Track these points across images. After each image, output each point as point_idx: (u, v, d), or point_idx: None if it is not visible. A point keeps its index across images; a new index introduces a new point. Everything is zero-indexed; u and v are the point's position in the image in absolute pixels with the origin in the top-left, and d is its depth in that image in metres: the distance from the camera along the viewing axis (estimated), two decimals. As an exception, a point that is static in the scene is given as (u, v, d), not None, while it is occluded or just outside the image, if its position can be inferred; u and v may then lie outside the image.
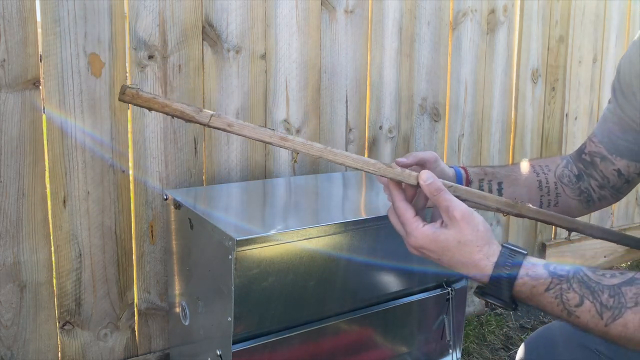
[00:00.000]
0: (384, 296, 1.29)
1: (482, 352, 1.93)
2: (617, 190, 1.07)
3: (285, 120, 1.59)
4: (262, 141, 0.81)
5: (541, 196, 1.11)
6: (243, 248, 1.02)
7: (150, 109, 0.80)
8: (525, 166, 1.14)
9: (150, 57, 1.37)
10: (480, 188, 1.12)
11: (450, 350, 1.43)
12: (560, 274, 0.72)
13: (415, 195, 0.85)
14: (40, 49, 1.24)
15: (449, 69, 1.90)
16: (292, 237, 1.07)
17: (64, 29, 1.25)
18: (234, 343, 1.07)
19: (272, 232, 1.05)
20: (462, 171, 1.13)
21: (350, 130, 1.72)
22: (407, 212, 0.80)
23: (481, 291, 0.76)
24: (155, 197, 1.43)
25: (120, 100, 0.80)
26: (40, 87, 1.25)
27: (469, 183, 1.12)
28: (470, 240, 0.76)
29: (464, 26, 1.91)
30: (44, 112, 1.26)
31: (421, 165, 1.11)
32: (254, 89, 1.53)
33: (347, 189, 1.52)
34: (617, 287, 0.68)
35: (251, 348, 1.09)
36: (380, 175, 0.83)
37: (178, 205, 1.26)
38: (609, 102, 1.05)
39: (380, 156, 1.79)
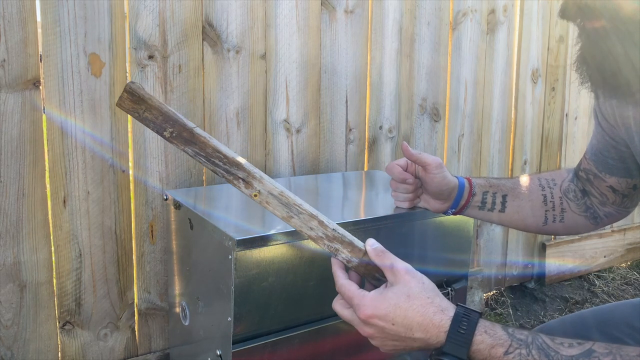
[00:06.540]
0: (384, 296, 1.29)
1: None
2: (619, 205, 1.05)
3: (285, 120, 1.59)
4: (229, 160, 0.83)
5: (546, 211, 1.10)
6: (243, 248, 1.02)
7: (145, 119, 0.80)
8: (530, 179, 1.12)
9: (150, 57, 1.37)
10: (484, 200, 1.12)
11: (450, 350, 1.43)
12: (519, 337, 0.70)
13: (361, 280, 0.84)
14: (40, 49, 1.24)
15: (449, 69, 1.90)
16: (292, 237, 1.07)
17: (64, 29, 1.25)
18: (234, 343, 1.07)
19: (272, 232, 1.05)
20: (466, 182, 1.12)
21: (350, 130, 1.72)
22: (352, 286, 0.79)
23: (437, 352, 0.73)
24: (155, 197, 1.43)
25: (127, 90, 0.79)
26: (40, 87, 1.25)
27: (472, 195, 1.12)
28: (418, 292, 0.75)
29: (464, 26, 1.91)
30: (44, 112, 1.26)
31: (423, 166, 1.10)
32: (254, 89, 1.53)
33: (347, 189, 1.52)
34: None
35: (251, 348, 1.09)
36: (332, 238, 0.83)
37: (178, 205, 1.26)
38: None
39: (380, 156, 1.79)
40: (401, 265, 0.78)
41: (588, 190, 1.07)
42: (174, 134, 0.80)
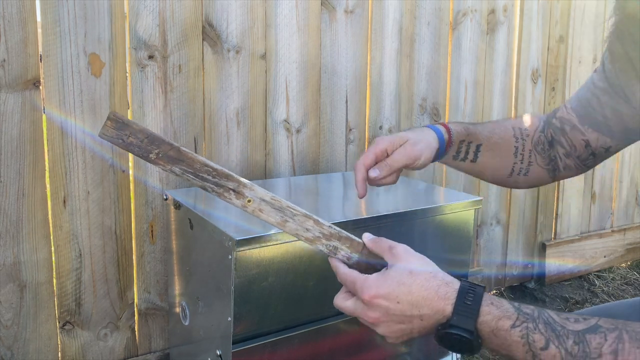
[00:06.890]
0: (384, 296, 1.29)
1: (482, 352, 1.93)
2: (582, 161, 1.03)
3: (285, 120, 1.59)
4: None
5: (514, 163, 1.08)
6: (243, 248, 1.02)
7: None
8: (506, 128, 1.09)
9: (150, 57, 1.37)
10: (459, 150, 1.08)
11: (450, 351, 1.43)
12: (525, 311, 0.69)
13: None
14: (40, 49, 1.24)
15: (449, 69, 1.90)
16: (292, 237, 1.07)
17: (64, 29, 1.25)
18: (234, 343, 1.07)
19: (272, 232, 1.05)
20: (445, 133, 1.06)
21: (350, 130, 1.72)
22: (353, 272, 0.79)
23: (442, 326, 0.72)
24: (156, 197, 1.43)
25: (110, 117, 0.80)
26: (40, 87, 1.25)
27: (450, 145, 1.07)
28: (420, 268, 0.74)
29: (464, 26, 1.91)
30: (44, 112, 1.26)
31: (404, 168, 1.08)
32: (254, 89, 1.53)
33: (347, 189, 1.52)
34: (582, 334, 0.65)
35: (251, 348, 1.09)
36: (329, 235, 0.84)
37: (178, 205, 1.26)
38: (595, 71, 0.98)
39: (380, 156, 1.79)
40: (400, 246, 0.78)
41: (557, 140, 1.04)
42: (160, 155, 0.82)
